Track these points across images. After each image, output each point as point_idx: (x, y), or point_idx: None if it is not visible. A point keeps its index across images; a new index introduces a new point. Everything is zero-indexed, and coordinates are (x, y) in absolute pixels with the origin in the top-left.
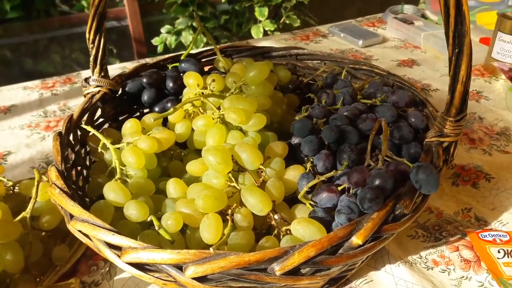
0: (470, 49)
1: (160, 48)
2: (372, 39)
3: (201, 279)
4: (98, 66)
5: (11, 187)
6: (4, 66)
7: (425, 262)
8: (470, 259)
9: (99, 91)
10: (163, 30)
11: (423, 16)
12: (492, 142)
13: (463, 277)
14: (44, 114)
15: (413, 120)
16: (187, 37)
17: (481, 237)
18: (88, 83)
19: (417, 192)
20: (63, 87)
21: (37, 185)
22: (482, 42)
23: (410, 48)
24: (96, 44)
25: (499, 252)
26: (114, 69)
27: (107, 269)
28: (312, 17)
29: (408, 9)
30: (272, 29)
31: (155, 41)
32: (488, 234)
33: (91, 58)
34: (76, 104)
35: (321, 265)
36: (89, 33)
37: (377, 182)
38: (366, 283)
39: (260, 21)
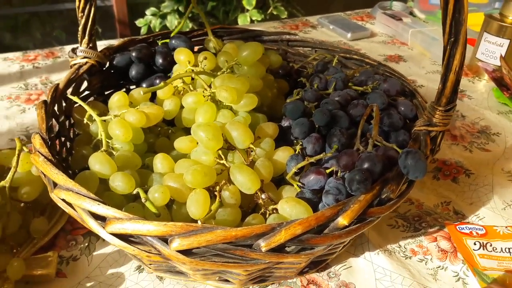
0: (465, 39)
1: (143, 30)
2: (360, 32)
3: (186, 252)
4: (86, 37)
5: None
6: None
7: (404, 251)
8: (447, 250)
9: (86, 63)
10: (148, 12)
11: (411, 14)
12: (473, 140)
13: (439, 266)
14: (25, 86)
15: (402, 108)
16: (172, 21)
17: (458, 229)
18: (76, 53)
19: (404, 178)
20: (45, 60)
21: (18, 155)
22: (467, 43)
23: (397, 44)
24: (86, 13)
25: (475, 244)
26: (99, 46)
27: (86, 244)
28: (299, 10)
29: (396, 5)
30: (259, 19)
31: (139, 22)
32: (466, 227)
33: (80, 28)
34: (59, 78)
35: (307, 244)
36: (79, 0)
37: (366, 165)
38: (345, 268)
39: (248, 10)
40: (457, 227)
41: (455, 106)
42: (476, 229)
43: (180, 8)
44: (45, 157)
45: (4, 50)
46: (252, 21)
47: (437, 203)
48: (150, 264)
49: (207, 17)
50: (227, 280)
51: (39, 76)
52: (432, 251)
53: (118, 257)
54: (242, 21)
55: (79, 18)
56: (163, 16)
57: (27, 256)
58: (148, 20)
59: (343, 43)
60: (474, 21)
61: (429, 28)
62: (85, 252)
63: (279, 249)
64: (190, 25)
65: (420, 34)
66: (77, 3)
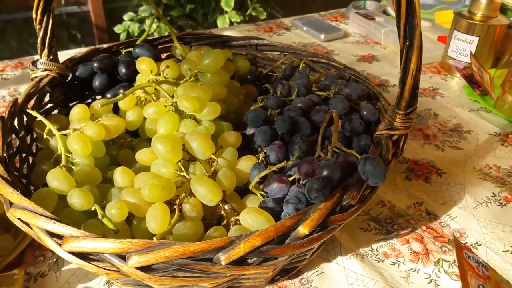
0: (420, 42)
1: (123, 36)
2: (334, 33)
3: (145, 268)
4: (46, 49)
5: None
6: None
7: (376, 255)
8: (419, 252)
9: (47, 75)
10: (125, 17)
11: (385, 13)
12: (445, 138)
13: (411, 269)
14: None
15: (365, 113)
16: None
17: (465, 256)
18: (36, 66)
19: (365, 183)
20: (14, 71)
21: None
22: (440, 41)
23: (370, 44)
24: (44, 25)
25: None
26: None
27: (55, 259)
28: (278, 10)
29: (370, 4)
30: (238, 20)
31: (118, 28)
32: (472, 258)
33: (39, 40)
34: None
35: (267, 255)
36: (36, 13)
37: (325, 172)
38: (317, 274)
39: (226, 12)
40: (464, 252)
41: (416, 109)
42: (482, 265)
43: None
44: (0, 176)
45: None
46: (231, 23)
47: (409, 204)
48: (117, 279)
49: (186, 19)
50: None
51: (7, 87)
52: (404, 253)
53: (87, 272)
54: (221, 23)
55: (37, 31)
56: (141, 21)
57: None
58: (126, 26)
59: (317, 44)
60: (446, 18)
61: None
62: (53, 268)
63: (240, 262)
64: (152, 25)
65: (393, 33)
66: (34, 15)
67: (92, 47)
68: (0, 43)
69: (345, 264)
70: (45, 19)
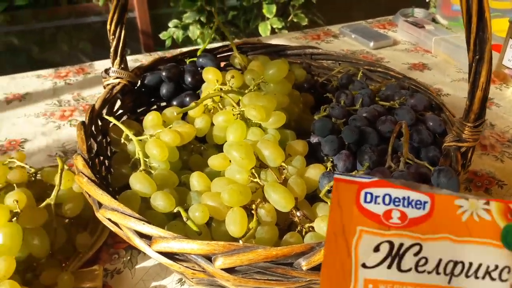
0: (490, 56)
1: (168, 43)
2: (383, 41)
3: (229, 270)
4: (118, 58)
5: (33, 174)
6: (10, 53)
7: None
8: None
9: (119, 83)
10: (170, 24)
11: (434, 20)
12: (504, 149)
13: None
14: (58, 103)
15: (431, 124)
16: (194, 31)
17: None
18: (108, 74)
19: None
20: (76, 77)
21: (61, 173)
22: (493, 49)
23: (420, 52)
24: (117, 35)
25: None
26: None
27: (128, 257)
28: (319, 17)
29: (418, 12)
30: (280, 27)
31: (163, 35)
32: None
33: (112, 50)
34: (90, 94)
35: None
36: (110, 24)
37: None
38: None
39: (268, 18)
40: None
41: (484, 122)
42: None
43: (202, 19)
44: (89, 178)
45: (32, 63)
46: (273, 29)
47: None
48: (192, 278)
49: (228, 26)
50: None
51: (71, 92)
52: None
53: (160, 270)
54: (263, 29)
55: (111, 40)
56: (185, 27)
57: (74, 270)
58: (171, 32)
59: (366, 52)
60: (499, 27)
61: (452, 35)
62: (128, 265)
63: (319, 268)
64: (212, 35)
65: (444, 42)
66: (108, 26)
67: (157, 56)
68: (52, 49)
69: None
70: (118, 30)
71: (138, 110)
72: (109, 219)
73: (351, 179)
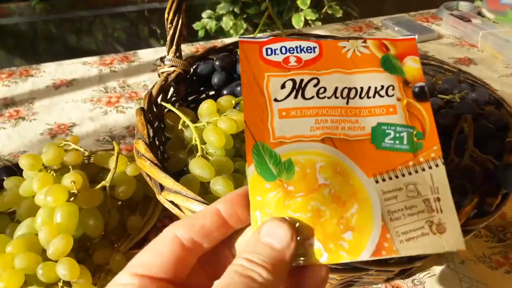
0: None
1: (201, 33)
2: (427, 34)
3: None
4: (174, 46)
5: (87, 157)
6: (47, 41)
7: (489, 262)
8: None
9: (174, 71)
10: (204, 15)
11: (479, 14)
12: None
13: None
14: (104, 90)
15: (492, 119)
16: (227, 22)
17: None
18: (163, 62)
19: (501, 190)
20: (120, 64)
21: (117, 157)
22: None
23: (466, 46)
24: (174, 24)
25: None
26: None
27: None
28: (354, 9)
29: (464, 6)
30: (313, 18)
31: (197, 25)
32: (277, 48)
33: (168, 38)
34: (135, 82)
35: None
36: (168, 13)
37: (466, 176)
38: (429, 276)
39: (302, 10)
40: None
41: None
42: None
43: (236, 10)
44: (151, 162)
45: (69, 51)
46: (306, 21)
47: None
48: None
49: (261, 17)
50: None
51: (117, 79)
52: None
53: None
54: (296, 21)
55: (167, 29)
56: (219, 18)
57: (125, 250)
58: (205, 23)
59: None
60: None
61: (501, 30)
62: None
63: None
64: (245, 25)
65: (492, 36)
66: (166, 15)
67: (210, 45)
68: (88, 37)
69: (457, 269)
70: (175, 18)
71: (189, 98)
72: (171, 202)
73: (252, 40)
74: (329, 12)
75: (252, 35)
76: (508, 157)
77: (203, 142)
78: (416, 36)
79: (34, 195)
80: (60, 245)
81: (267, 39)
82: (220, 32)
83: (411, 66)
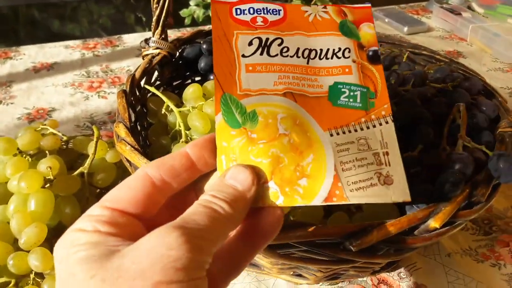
0: None
1: (187, 21)
2: (417, 26)
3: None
4: (160, 28)
5: (65, 142)
6: (31, 26)
7: (475, 255)
8: None
9: (158, 53)
10: (191, 2)
11: (469, 8)
12: None
13: None
14: (86, 74)
15: (484, 108)
16: None
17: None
18: (148, 44)
19: (493, 181)
20: (104, 49)
21: (96, 142)
22: None
23: (455, 40)
24: (160, 4)
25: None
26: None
27: None
28: (344, 1)
29: None
30: None
31: (183, 12)
32: (247, 9)
33: (154, 19)
34: (118, 67)
35: (398, 246)
36: None
37: (458, 166)
38: (415, 269)
39: (291, 1)
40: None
41: None
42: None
43: None
44: (132, 146)
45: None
46: None
47: (507, 206)
48: None
49: None
50: (300, 275)
51: (100, 64)
52: (504, 256)
53: None
54: None
55: (153, 9)
56: (207, 6)
57: None
58: (192, 10)
59: (399, 37)
60: None
61: (490, 24)
62: None
63: (368, 250)
64: None
65: (482, 30)
66: None
67: (197, 29)
68: (73, 22)
69: (443, 262)
70: None
71: (174, 83)
72: None
73: (224, 0)
74: (318, 4)
75: None
76: (500, 147)
77: (187, 128)
78: (406, 28)
79: (7, 181)
80: (33, 234)
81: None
82: (208, 21)
83: (367, 31)
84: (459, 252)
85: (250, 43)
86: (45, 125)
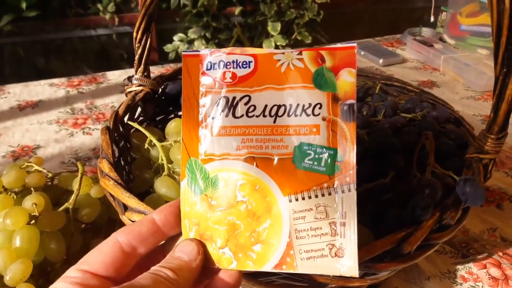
0: None
1: (171, 55)
2: (392, 58)
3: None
4: (142, 66)
5: (50, 179)
6: (16, 63)
7: (454, 278)
8: (498, 277)
9: (141, 90)
10: (175, 38)
11: (441, 40)
12: None
13: None
14: (71, 111)
15: (453, 136)
16: (199, 46)
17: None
18: (131, 81)
19: (461, 204)
20: (88, 86)
21: (81, 178)
22: None
23: (429, 70)
24: (142, 43)
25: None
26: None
27: None
28: (323, 35)
29: (426, 31)
30: (284, 44)
31: (167, 48)
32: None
33: (136, 57)
34: (102, 103)
35: (372, 269)
36: (137, 32)
37: (427, 191)
38: None
39: (272, 36)
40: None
41: (507, 134)
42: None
43: (207, 34)
44: (115, 181)
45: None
46: (276, 46)
47: (483, 229)
48: None
49: (234, 43)
50: None
51: (84, 101)
52: (482, 278)
53: None
54: (267, 46)
55: (136, 48)
56: (190, 42)
57: None
58: (176, 46)
59: (375, 68)
60: None
61: (461, 54)
62: None
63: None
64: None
65: (453, 60)
66: (134, 34)
67: (179, 65)
68: (58, 60)
69: (423, 285)
70: (144, 38)
71: (158, 118)
72: None
73: (195, 54)
74: (299, 38)
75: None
76: (467, 172)
77: (169, 161)
78: (381, 60)
79: None
80: (19, 271)
81: (209, 51)
82: None
83: (345, 80)
84: (438, 275)
85: (217, 104)
86: (30, 162)
